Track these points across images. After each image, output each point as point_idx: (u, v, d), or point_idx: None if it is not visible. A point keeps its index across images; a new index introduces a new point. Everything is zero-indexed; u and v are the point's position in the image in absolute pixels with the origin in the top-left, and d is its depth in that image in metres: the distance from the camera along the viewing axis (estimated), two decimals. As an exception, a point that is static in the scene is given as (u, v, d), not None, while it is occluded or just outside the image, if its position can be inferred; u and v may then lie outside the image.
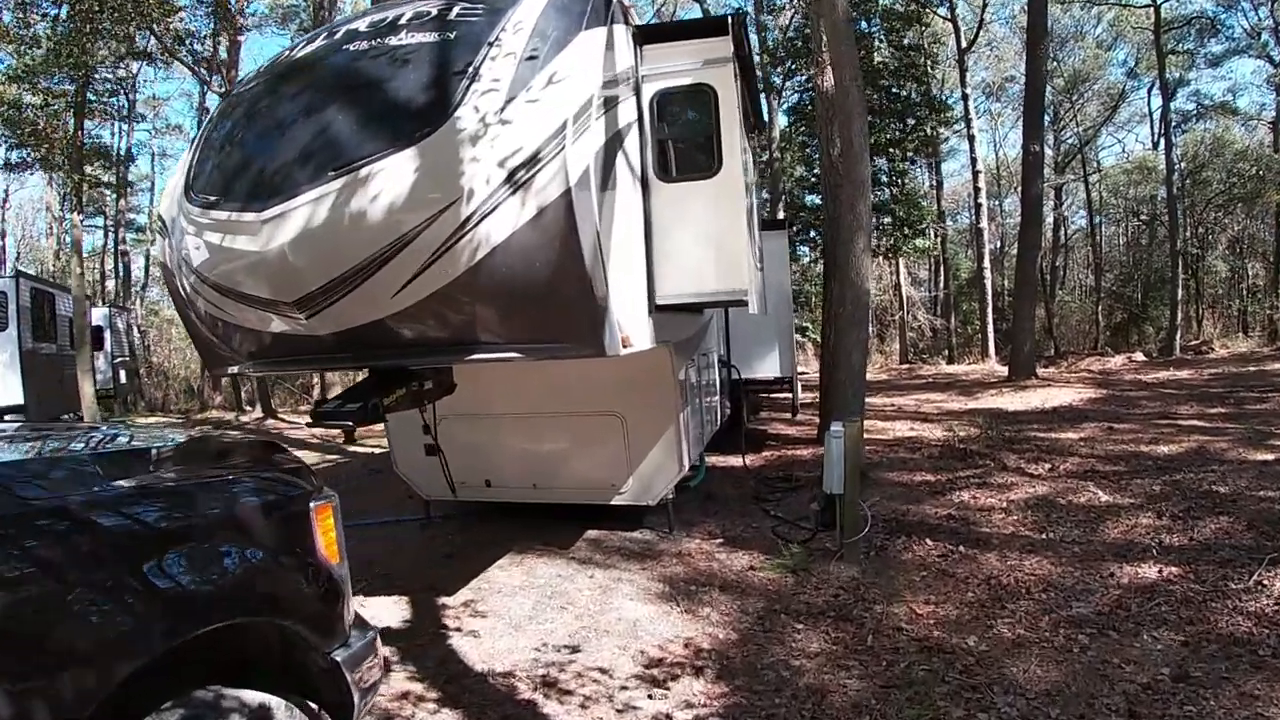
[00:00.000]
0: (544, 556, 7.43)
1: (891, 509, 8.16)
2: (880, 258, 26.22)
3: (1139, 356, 25.56)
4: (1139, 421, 12.43)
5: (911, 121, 18.47)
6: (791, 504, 8.71)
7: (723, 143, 5.95)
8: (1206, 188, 35.96)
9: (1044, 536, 6.99)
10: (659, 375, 7.14)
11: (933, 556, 6.73)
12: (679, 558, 7.25)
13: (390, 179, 4.36)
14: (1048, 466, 9.49)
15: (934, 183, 39.44)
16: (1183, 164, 34.65)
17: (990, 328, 29.49)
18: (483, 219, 4.31)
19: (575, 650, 5.32)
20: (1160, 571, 5.91)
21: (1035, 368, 20.43)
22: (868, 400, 17.95)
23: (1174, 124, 33.50)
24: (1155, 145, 37.66)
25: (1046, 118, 35.82)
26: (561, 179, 4.38)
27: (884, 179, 18.55)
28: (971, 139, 30.64)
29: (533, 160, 4.37)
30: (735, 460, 10.86)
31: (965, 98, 30.61)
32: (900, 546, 7.03)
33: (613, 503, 7.87)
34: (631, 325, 5.23)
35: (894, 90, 17.19)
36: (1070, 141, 40.18)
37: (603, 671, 5.02)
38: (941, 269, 41.37)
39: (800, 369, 14.83)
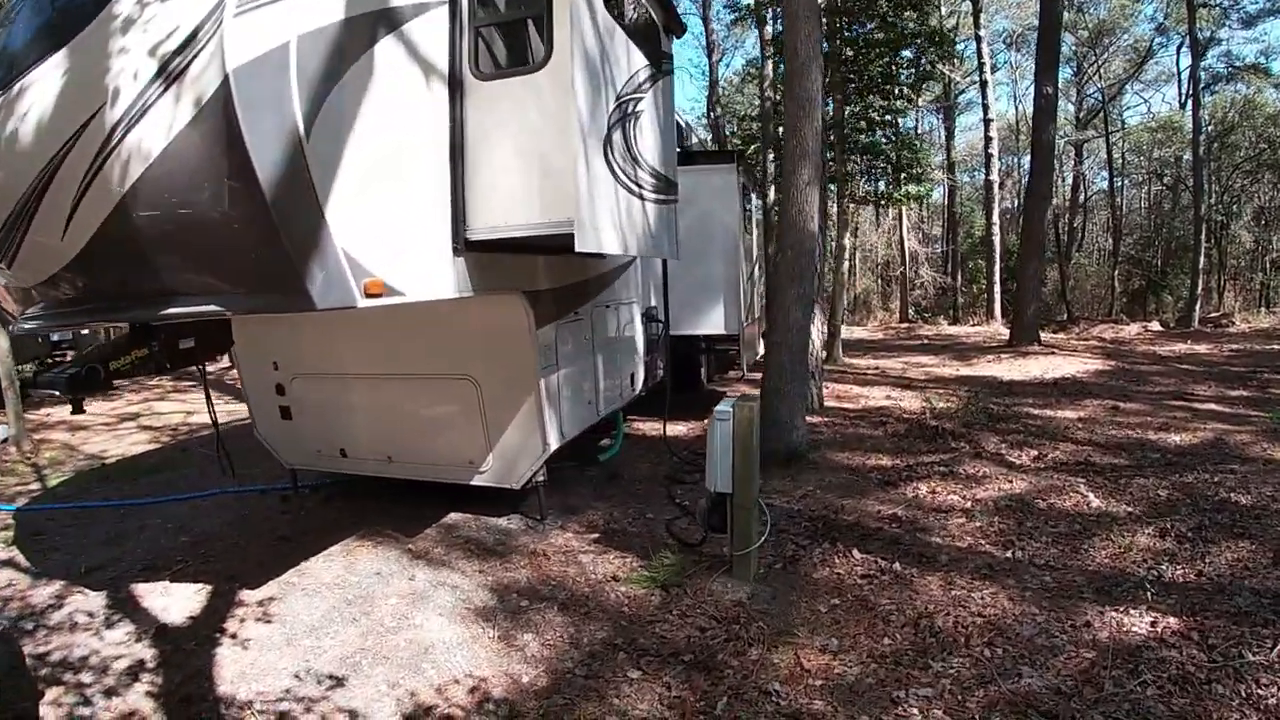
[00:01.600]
0: (380, 546, 6.07)
1: (824, 504, 6.54)
2: (874, 206, 24.26)
3: (1155, 326, 23.75)
4: (1149, 401, 10.75)
5: (909, 55, 16.33)
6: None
7: (554, 24, 4.48)
8: (1234, 153, 33.53)
9: (1008, 555, 5.35)
10: (513, 332, 5.71)
11: (855, 576, 5.11)
12: (532, 558, 5.71)
13: (39, 91, 3.56)
14: (1033, 454, 7.86)
15: (945, 132, 37.32)
16: (1210, 126, 32.18)
17: (997, 288, 27.76)
18: (131, 127, 3.35)
19: (337, 683, 4.16)
20: (1153, 624, 4.27)
21: (1039, 333, 18.74)
22: (851, 361, 16.68)
23: (1202, 84, 31.03)
24: (1182, 105, 35.17)
25: (1069, 70, 33.56)
26: (218, 63, 3.26)
27: (876, 118, 16.46)
28: (984, 85, 28.55)
29: (190, 41, 3.34)
30: (674, 428, 9.21)
31: (979, 40, 28.44)
32: (818, 558, 5.41)
33: (474, 483, 6.38)
34: (398, 267, 3.98)
35: (890, 19, 15.15)
36: (1094, 97, 37.74)
37: (352, 717, 3.85)
38: (951, 224, 39.31)
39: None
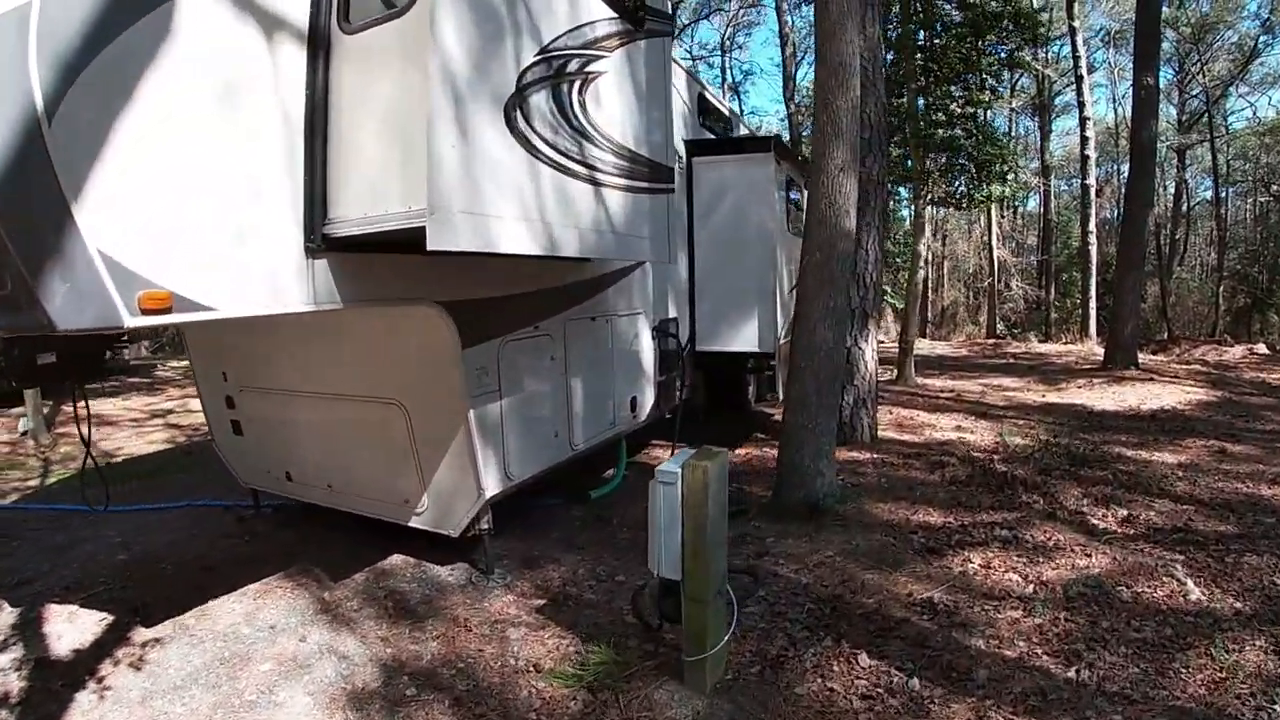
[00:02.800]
0: (297, 590, 5.27)
1: (843, 577, 5.23)
2: (959, 209, 22.36)
3: (1262, 349, 21.41)
4: (1260, 443, 9.06)
5: (992, 39, 14.57)
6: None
7: None
8: (1349, 160, 30.71)
9: (1070, 675, 3.97)
10: (434, 351, 4.68)
11: (855, 695, 3.82)
12: (451, 626, 4.65)
13: None
14: (1121, 515, 6.37)
15: (1039, 135, 35.09)
16: (1322, 130, 29.40)
17: (1093, 303, 25.55)
18: None
19: (165, 762, 3.54)
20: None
21: (1137, 355, 16.83)
22: (924, 382, 15.11)
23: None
24: (1291, 108, 32.35)
25: (1170, 71, 30.95)
26: None
27: (956, 109, 14.68)
28: (1079, 80, 26.35)
29: None
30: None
31: (1073, 31, 26.34)
32: (811, 662, 4.13)
33: (411, 525, 5.37)
34: (202, 274, 3.08)
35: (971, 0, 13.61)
36: (1197, 98, 34.95)
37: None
38: (1047, 234, 36.98)
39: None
